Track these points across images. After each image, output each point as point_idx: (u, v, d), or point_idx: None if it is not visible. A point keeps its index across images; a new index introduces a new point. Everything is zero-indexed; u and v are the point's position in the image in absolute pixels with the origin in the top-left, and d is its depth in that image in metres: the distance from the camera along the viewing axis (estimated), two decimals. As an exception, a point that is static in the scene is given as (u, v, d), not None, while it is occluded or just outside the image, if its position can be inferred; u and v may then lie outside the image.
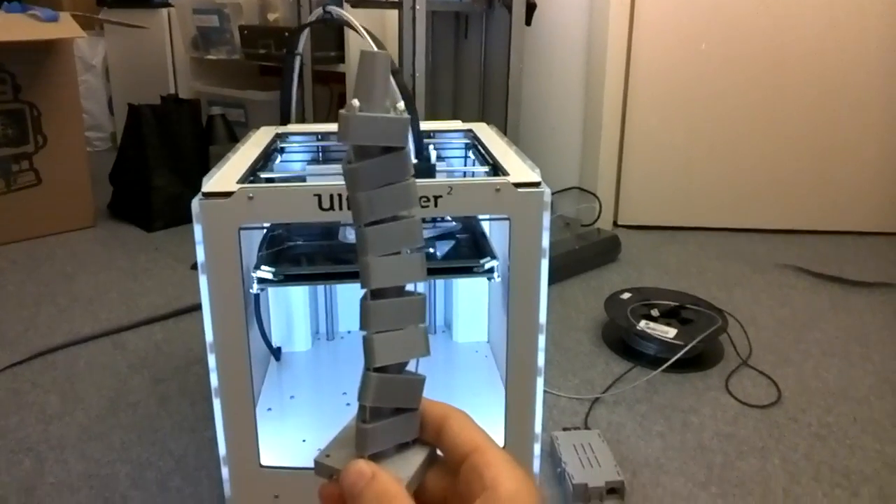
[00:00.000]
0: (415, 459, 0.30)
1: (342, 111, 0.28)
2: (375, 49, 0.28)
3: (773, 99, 1.65)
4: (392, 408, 0.30)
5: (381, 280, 0.29)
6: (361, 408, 0.30)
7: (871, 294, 1.36)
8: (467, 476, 0.28)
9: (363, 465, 0.28)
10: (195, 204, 0.63)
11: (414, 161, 0.79)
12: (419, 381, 0.30)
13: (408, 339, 0.30)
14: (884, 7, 1.56)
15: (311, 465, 0.77)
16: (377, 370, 0.29)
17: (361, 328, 0.30)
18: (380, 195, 0.28)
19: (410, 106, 0.77)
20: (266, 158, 0.82)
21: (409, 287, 0.30)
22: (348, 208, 0.66)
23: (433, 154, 0.90)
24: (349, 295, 1.00)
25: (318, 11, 0.90)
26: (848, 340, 1.17)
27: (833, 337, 1.18)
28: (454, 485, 0.29)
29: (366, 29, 0.77)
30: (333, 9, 0.89)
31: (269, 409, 0.84)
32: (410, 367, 0.31)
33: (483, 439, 0.29)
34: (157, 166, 1.71)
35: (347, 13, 0.83)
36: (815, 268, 1.47)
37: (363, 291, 0.30)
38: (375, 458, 0.29)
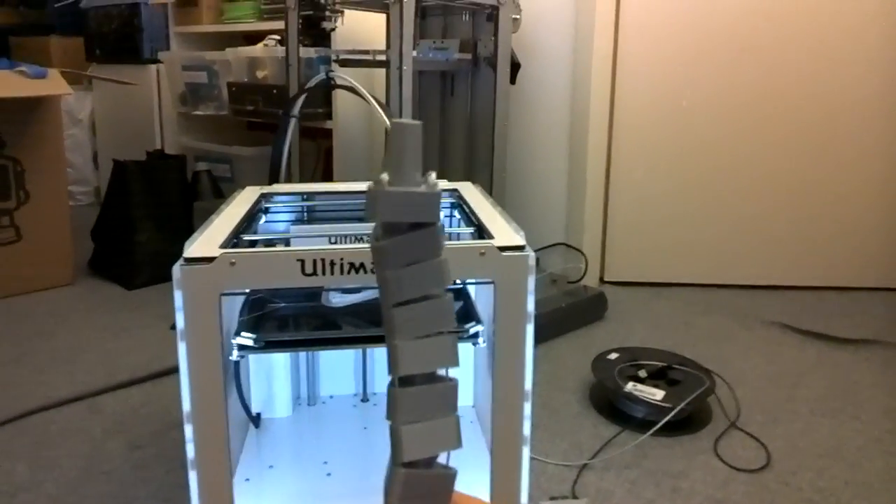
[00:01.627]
0: None
1: (370, 186, 0.26)
2: (400, 119, 0.26)
3: (756, 155, 1.69)
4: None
5: (410, 366, 0.27)
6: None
7: (857, 350, 1.36)
8: None
9: None
10: (176, 269, 0.62)
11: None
12: (450, 477, 0.28)
13: (439, 430, 0.27)
14: (866, 66, 1.62)
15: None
16: (406, 465, 0.27)
17: (388, 418, 0.27)
18: (410, 274, 0.26)
19: None
20: (250, 220, 0.82)
21: (440, 371, 0.28)
22: (332, 273, 0.66)
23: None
24: (331, 359, 0.98)
25: (321, 77, 0.91)
26: (836, 398, 1.16)
27: (821, 395, 1.17)
28: None
29: (370, 93, 0.78)
30: (336, 74, 0.90)
31: (247, 479, 0.81)
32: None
33: None
34: (141, 222, 1.70)
35: (343, 75, 0.84)
36: (802, 324, 1.47)
37: (390, 378, 0.28)
38: None
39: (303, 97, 0.92)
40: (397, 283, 0.26)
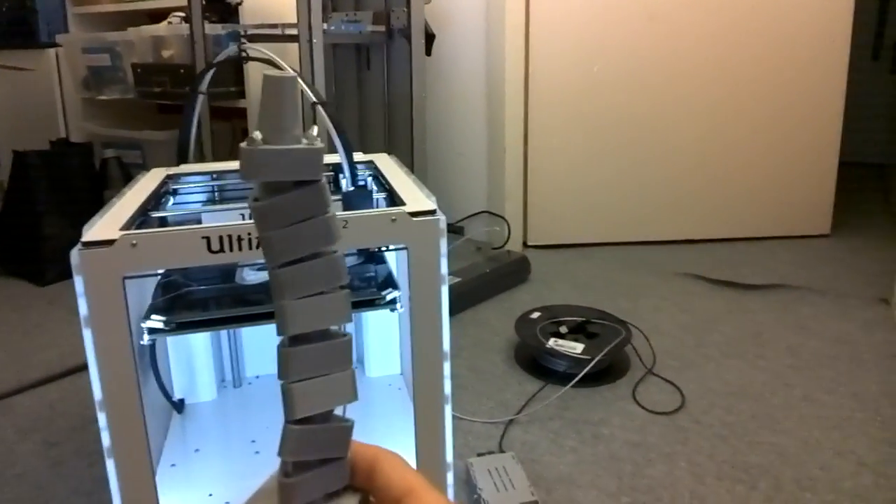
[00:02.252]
0: None
1: (243, 145, 0.25)
2: (274, 72, 0.25)
3: (666, 117, 1.75)
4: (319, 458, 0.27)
5: (299, 325, 0.26)
6: (283, 461, 0.27)
7: (763, 295, 1.44)
8: None
9: None
10: (74, 254, 0.61)
11: (351, 188, 0.78)
12: (346, 429, 0.28)
13: (332, 385, 0.27)
14: (762, 31, 1.69)
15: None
16: (298, 422, 0.26)
17: (279, 377, 0.27)
18: (294, 233, 0.25)
19: (343, 136, 0.77)
20: (156, 202, 0.80)
21: (334, 327, 0.27)
22: (240, 249, 0.65)
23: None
24: (255, 338, 0.97)
25: (232, 49, 0.88)
26: (744, 341, 1.23)
27: (730, 338, 1.24)
28: None
29: (291, 67, 0.77)
30: (248, 46, 0.88)
31: (173, 464, 0.80)
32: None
33: (416, 481, 0.28)
34: (47, 214, 1.62)
35: (257, 47, 0.82)
36: (713, 274, 1.55)
37: (280, 338, 0.27)
38: None
39: (211, 72, 0.89)
40: (281, 243, 0.26)
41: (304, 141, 0.26)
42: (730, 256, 1.70)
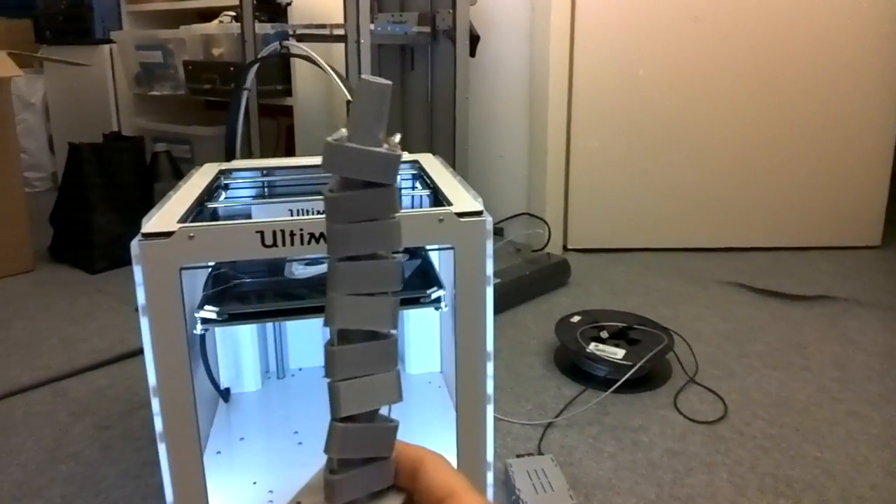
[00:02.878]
0: None
1: (328, 139, 0.26)
2: (369, 77, 0.26)
3: (710, 122, 1.72)
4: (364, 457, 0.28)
5: (346, 320, 0.27)
6: (329, 458, 0.28)
7: (808, 307, 1.41)
8: None
9: None
10: (134, 245, 0.63)
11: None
12: (391, 429, 0.28)
13: (378, 385, 0.27)
14: (810, 37, 1.66)
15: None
16: (344, 420, 0.27)
17: (326, 375, 0.27)
18: (360, 230, 0.26)
19: None
20: (209, 196, 0.82)
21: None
22: (292, 244, 0.67)
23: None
24: (299, 332, 0.99)
25: (273, 46, 0.90)
26: (788, 352, 1.21)
27: (774, 349, 1.22)
28: None
29: (329, 65, 0.78)
30: (290, 43, 0.90)
31: (219, 452, 0.82)
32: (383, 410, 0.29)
33: (459, 484, 0.28)
34: (99, 206, 1.67)
35: (298, 44, 0.84)
36: (755, 283, 1.52)
37: (329, 335, 0.28)
38: None
39: (255, 68, 0.91)
40: (346, 236, 0.26)
41: (385, 146, 0.26)
42: (773, 266, 1.66)
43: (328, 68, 0.76)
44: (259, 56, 0.89)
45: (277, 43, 0.88)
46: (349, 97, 0.79)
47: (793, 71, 1.68)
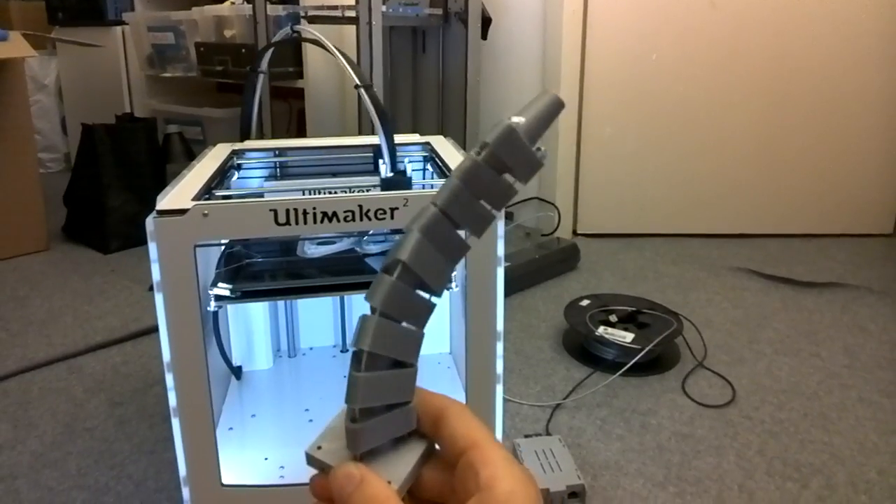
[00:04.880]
0: (410, 455, 0.28)
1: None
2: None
3: (722, 107, 1.71)
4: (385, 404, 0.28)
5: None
6: (350, 408, 0.28)
7: (820, 294, 1.41)
8: (463, 474, 0.27)
9: (352, 469, 0.27)
10: (149, 222, 0.63)
11: (391, 174, 0.79)
12: (410, 374, 0.28)
13: (400, 333, 0.28)
14: (828, 22, 1.63)
15: (274, 483, 0.75)
16: (366, 370, 0.27)
17: (354, 343, 0.27)
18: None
19: (384, 120, 0.78)
20: (222, 175, 0.82)
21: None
22: (305, 223, 0.67)
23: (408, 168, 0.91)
24: (310, 311, 1.00)
25: (286, 31, 0.90)
26: (798, 339, 1.21)
27: (784, 336, 1.22)
28: (452, 480, 0.28)
29: (336, 48, 0.78)
30: (302, 28, 0.89)
31: (231, 428, 0.83)
32: None
33: (481, 435, 0.27)
34: (112, 186, 1.68)
35: (309, 29, 0.84)
36: (767, 270, 1.52)
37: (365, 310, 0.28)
38: (369, 453, 0.28)
39: (270, 52, 0.91)
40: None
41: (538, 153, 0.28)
42: (784, 253, 1.66)
43: (338, 54, 0.76)
44: (273, 41, 0.89)
45: (289, 27, 0.88)
46: (357, 82, 0.78)
47: (808, 58, 1.66)
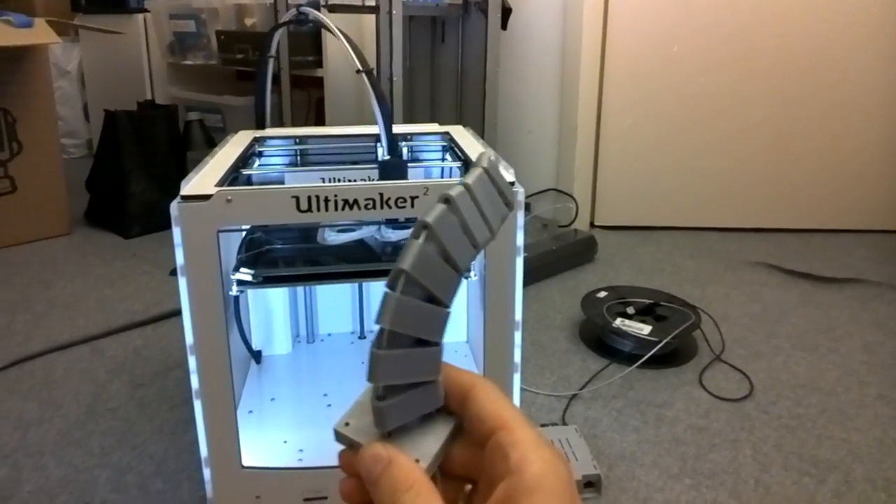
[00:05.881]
0: (439, 433, 0.28)
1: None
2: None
3: (742, 102, 1.69)
4: (409, 382, 0.28)
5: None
6: (375, 386, 0.28)
7: (839, 289, 1.39)
8: (492, 455, 0.26)
9: (380, 450, 0.27)
10: (174, 207, 0.64)
11: (386, 157, 0.79)
12: (434, 353, 0.28)
13: (426, 312, 0.27)
14: (851, 17, 1.61)
15: (292, 466, 0.76)
16: (387, 347, 0.27)
17: (376, 321, 0.27)
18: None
19: (383, 105, 0.78)
20: (244, 162, 0.83)
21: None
22: (327, 210, 0.68)
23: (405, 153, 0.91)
24: (329, 298, 1.01)
25: (292, 12, 0.91)
26: (816, 334, 1.20)
27: (803, 331, 1.21)
28: (481, 457, 0.27)
29: (340, 30, 0.78)
30: (308, 9, 0.89)
31: (250, 411, 0.84)
32: None
33: (510, 414, 0.27)
34: (133, 172, 1.70)
35: (323, 15, 0.84)
36: (786, 265, 1.51)
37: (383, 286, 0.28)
38: (397, 430, 0.28)
39: (278, 34, 0.91)
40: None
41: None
42: (803, 248, 1.64)
43: (342, 37, 0.76)
44: (279, 22, 0.89)
45: (296, 8, 0.88)
46: (359, 67, 0.78)
47: (829, 52, 1.64)
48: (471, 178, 0.28)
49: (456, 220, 0.27)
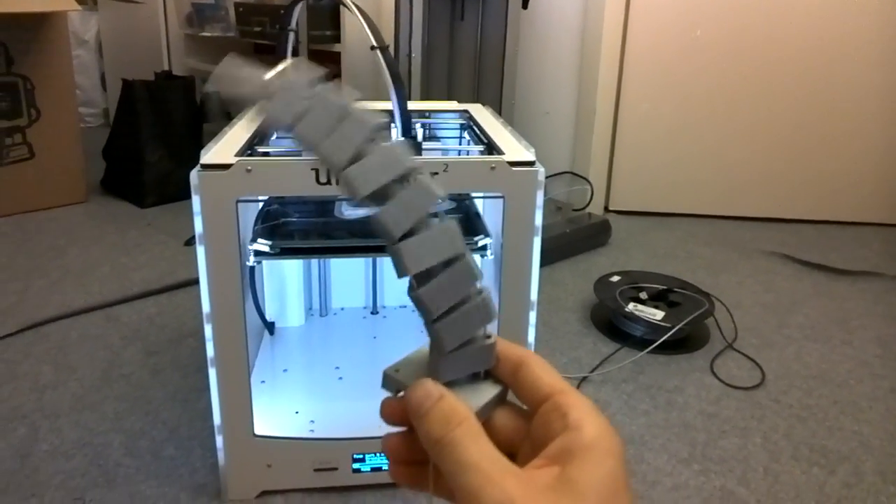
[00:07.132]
0: (486, 392, 0.29)
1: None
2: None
3: (763, 90, 1.67)
4: (465, 340, 0.28)
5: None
6: (432, 329, 0.28)
7: (853, 282, 1.38)
8: (548, 416, 0.27)
9: (431, 386, 0.27)
10: (194, 175, 0.64)
11: (401, 139, 0.79)
12: (486, 299, 0.28)
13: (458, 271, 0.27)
14: (868, 12, 1.58)
15: (304, 436, 0.77)
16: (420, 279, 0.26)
17: (401, 273, 0.27)
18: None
19: (398, 84, 0.78)
20: (264, 133, 0.83)
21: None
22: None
23: (419, 133, 0.91)
24: (342, 272, 1.01)
25: None
26: (829, 325, 1.19)
27: (815, 322, 1.20)
28: (524, 428, 0.28)
29: (356, 5, 0.78)
30: None
31: (263, 381, 0.85)
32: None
33: (565, 385, 0.28)
34: (149, 142, 1.71)
35: None
36: (800, 255, 1.49)
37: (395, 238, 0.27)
38: (446, 385, 0.28)
39: (298, 7, 0.90)
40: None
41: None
42: (818, 239, 1.63)
43: (357, 12, 0.75)
44: None
45: None
46: (374, 43, 0.78)
47: (852, 42, 1.61)
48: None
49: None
